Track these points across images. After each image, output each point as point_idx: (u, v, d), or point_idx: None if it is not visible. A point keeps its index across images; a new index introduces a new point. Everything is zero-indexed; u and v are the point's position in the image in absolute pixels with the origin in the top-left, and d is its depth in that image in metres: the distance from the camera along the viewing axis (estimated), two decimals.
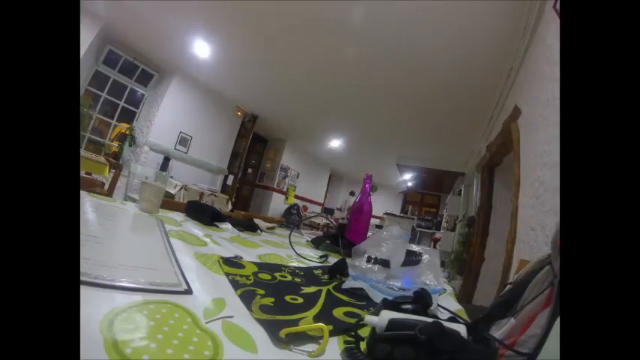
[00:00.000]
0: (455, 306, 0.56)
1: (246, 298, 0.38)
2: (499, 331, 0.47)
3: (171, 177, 4.25)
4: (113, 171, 2.54)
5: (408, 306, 0.37)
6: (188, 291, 0.35)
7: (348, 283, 0.54)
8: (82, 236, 0.41)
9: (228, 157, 5.51)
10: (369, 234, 0.97)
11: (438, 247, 5.15)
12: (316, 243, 0.99)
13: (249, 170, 7.00)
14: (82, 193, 0.72)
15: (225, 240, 0.71)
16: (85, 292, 0.28)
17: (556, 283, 0.40)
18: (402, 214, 7.96)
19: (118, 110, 4.32)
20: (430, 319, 0.29)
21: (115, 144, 4.37)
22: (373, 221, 4.95)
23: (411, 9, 2.21)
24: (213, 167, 5.26)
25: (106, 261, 0.37)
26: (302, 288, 0.49)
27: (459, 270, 3.53)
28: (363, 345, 0.31)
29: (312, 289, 0.50)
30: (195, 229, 0.74)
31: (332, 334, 0.33)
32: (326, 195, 9.54)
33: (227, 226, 0.88)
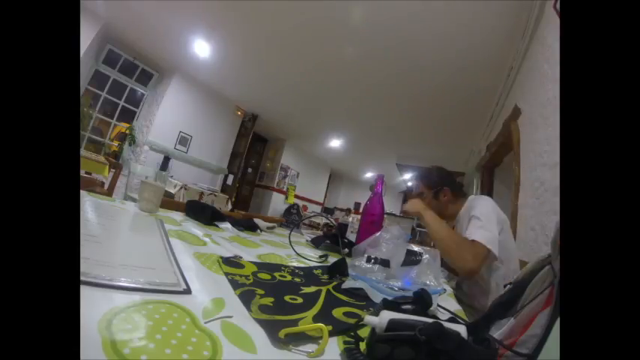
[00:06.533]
0: (455, 306, 0.57)
1: (246, 298, 0.38)
2: (499, 331, 0.47)
3: (171, 176, 4.25)
4: (113, 170, 2.54)
5: (408, 306, 0.37)
6: (187, 291, 0.35)
7: (348, 283, 0.54)
8: (81, 236, 0.41)
9: (228, 156, 5.51)
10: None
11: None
12: (316, 243, 0.99)
13: (249, 170, 7.00)
14: (82, 193, 0.72)
15: (224, 240, 0.71)
16: (84, 291, 0.27)
17: (556, 283, 0.40)
18: (402, 214, 7.96)
19: (118, 110, 4.32)
20: (430, 320, 0.29)
21: (115, 143, 4.37)
22: None
23: (410, 9, 2.20)
24: (213, 167, 5.26)
25: (106, 260, 0.36)
26: (302, 288, 0.49)
27: None
28: (362, 345, 0.31)
29: (312, 289, 0.50)
30: (195, 228, 0.74)
31: (331, 334, 0.33)
32: (326, 195, 9.54)
33: (227, 225, 0.88)
